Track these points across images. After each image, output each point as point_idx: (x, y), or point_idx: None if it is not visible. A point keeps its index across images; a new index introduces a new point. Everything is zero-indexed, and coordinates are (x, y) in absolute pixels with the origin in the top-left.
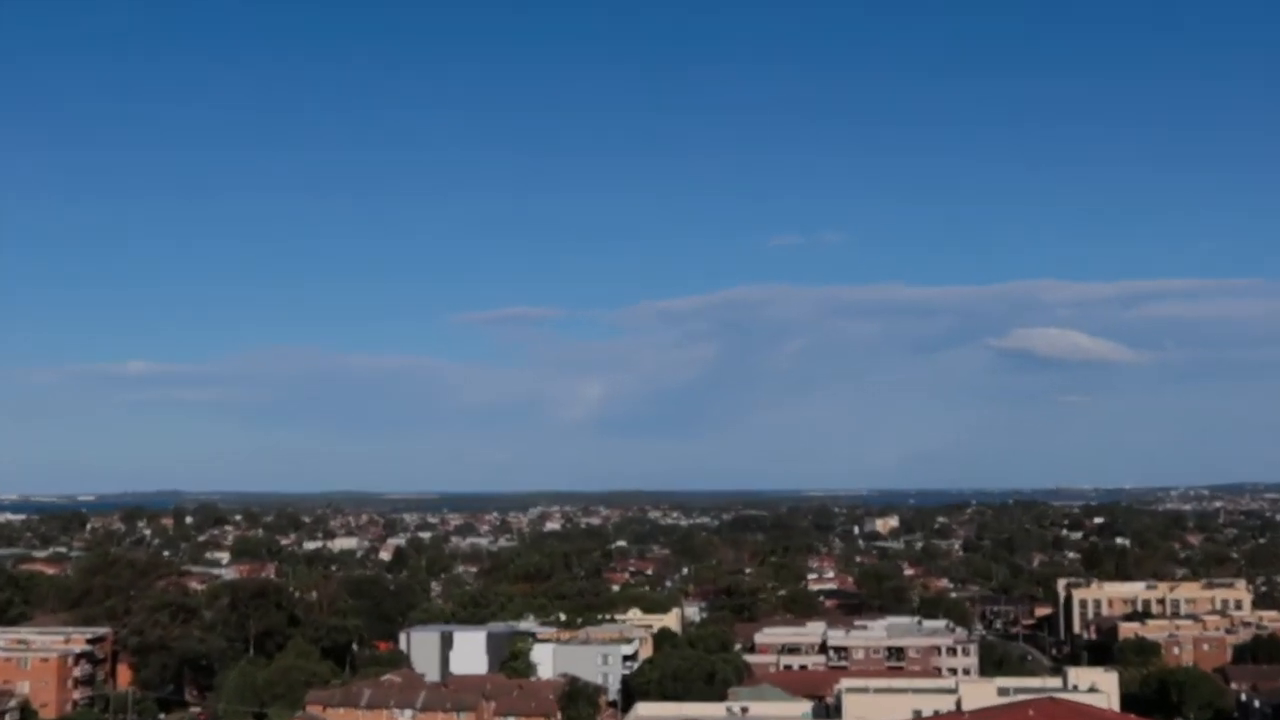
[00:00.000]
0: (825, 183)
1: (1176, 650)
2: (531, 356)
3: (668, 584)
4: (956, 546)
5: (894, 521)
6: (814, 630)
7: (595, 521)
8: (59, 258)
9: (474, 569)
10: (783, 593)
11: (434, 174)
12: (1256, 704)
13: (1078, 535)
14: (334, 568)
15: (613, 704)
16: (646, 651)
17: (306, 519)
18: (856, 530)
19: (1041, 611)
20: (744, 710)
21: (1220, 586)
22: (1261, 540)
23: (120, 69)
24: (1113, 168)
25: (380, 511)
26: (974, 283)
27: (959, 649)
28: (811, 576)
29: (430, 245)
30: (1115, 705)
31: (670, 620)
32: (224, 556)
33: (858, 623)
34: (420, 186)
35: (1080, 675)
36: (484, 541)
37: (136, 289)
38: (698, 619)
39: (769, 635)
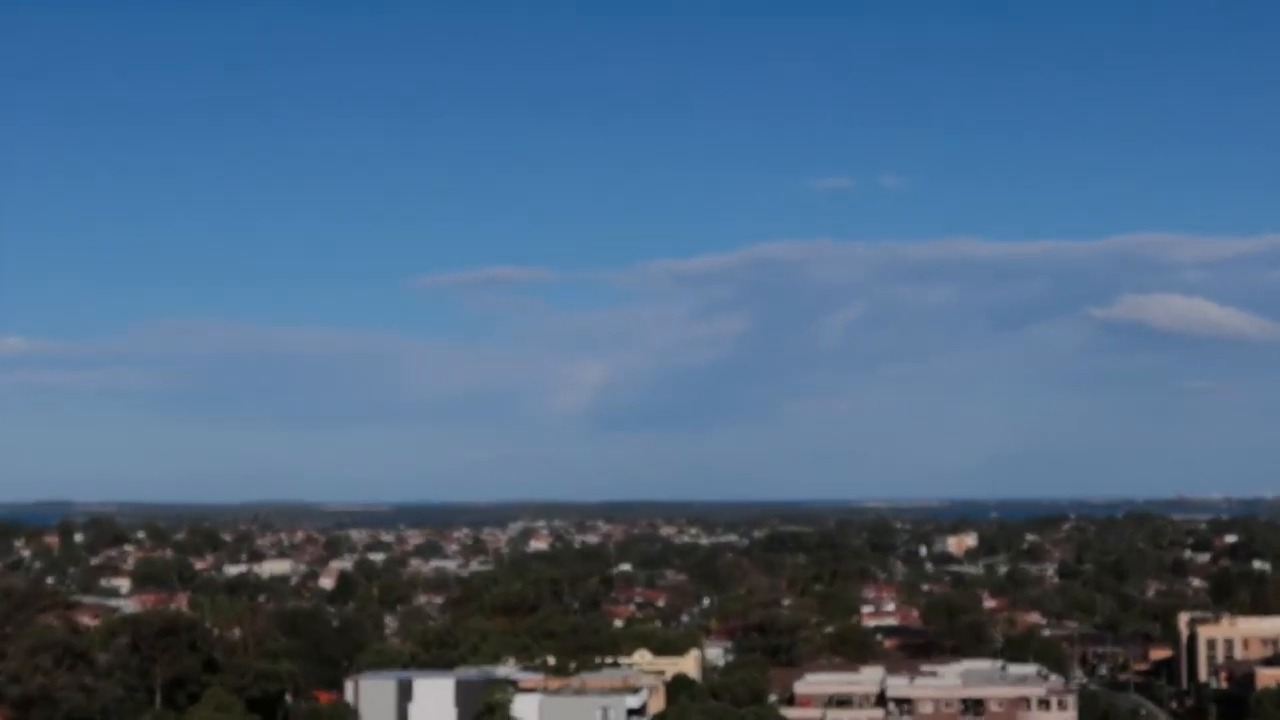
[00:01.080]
0: (881, 111)
1: None
2: (512, 330)
3: (684, 619)
4: (1050, 572)
5: (971, 540)
6: (870, 678)
7: (593, 540)
8: None
9: (439, 599)
10: (830, 630)
11: (388, 96)
12: None
13: (1204, 558)
14: (262, 598)
15: None
16: (658, 704)
17: (227, 536)
18: (923, 551)
19: (1158, 654)
20: None
21: None
22: None
23: None
24: (1252, 91)
25: (321, 527)
26: (1072, 237)
27: (1054, 701)
28: (866, 610)
29: (383, 187)
30: None
31: (687, 665)
32: (123, 584)
33: (925, 668)
34: (370, 112)
35: None
36: (452, 565)
37: (4, 246)
38: (722, 663)
39: (813, 684)
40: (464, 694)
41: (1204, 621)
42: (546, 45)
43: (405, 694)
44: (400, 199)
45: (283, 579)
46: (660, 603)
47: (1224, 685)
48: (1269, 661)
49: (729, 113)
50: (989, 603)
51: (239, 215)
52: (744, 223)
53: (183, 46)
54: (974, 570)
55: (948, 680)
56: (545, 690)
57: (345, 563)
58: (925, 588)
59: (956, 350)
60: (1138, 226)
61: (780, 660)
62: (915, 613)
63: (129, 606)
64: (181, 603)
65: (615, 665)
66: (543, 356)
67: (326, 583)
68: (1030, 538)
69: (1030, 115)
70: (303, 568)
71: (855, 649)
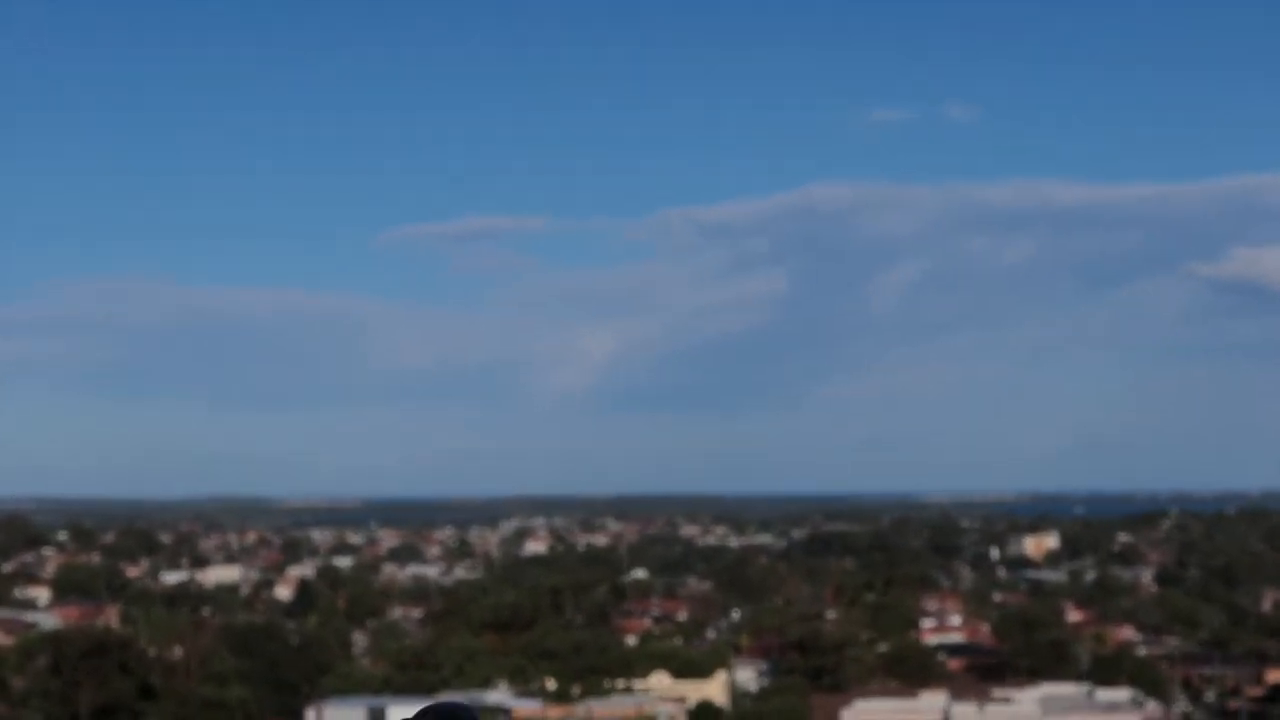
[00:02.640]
0: (946, 31)
1: None
2: (502, 293)
3: (710, 635)
4: (1147, 578)
5: (1052, 541)
6: (932, 704)
7: (600, 541)
8: None
9: (418, 612)
10: (884, 648)
11: (350, 11)
12: None
13: None
14: (207, 611)
15: None
16: None
17: (165, 538)
18: (995, 554)
19: (1277, 676)
20: None
21: None
22: None
23: None
24: None
25: (277, 526)
26: (1173, 179)
27: None
28: (927, 624)
29: (346, 121)
30: None
31: (714, 690)
32: (42, 595)
33: (997, 693)
34: (327, 33)
35: None
36: (432, 571)
37: None
38: (755, 687)
39: (864, 712)
40: None
41: None
42: None
43: None
44: (367, 136)
45: (231, 588)
46: (681, 616)
47: None
48: None
49: (763, 31)
50: (1073, 615)
51: (171, 152)
52: (781, 163)
53: None
54: (1056, 577)
55: (1024, 707)
56: None
57: (306, 569)
58: (997, 598)
59: (1035, 315)
60: (1251, 166)
61: (824, 684)
62: (985, 627)
63: (49, 621)
64: (111, 617)
65: (628, 690)
66: (539, 324)
67: (283, 593)
68: (1123, 538)
69: (1120, 34)
70: (255, 575)
71: (914, 671)
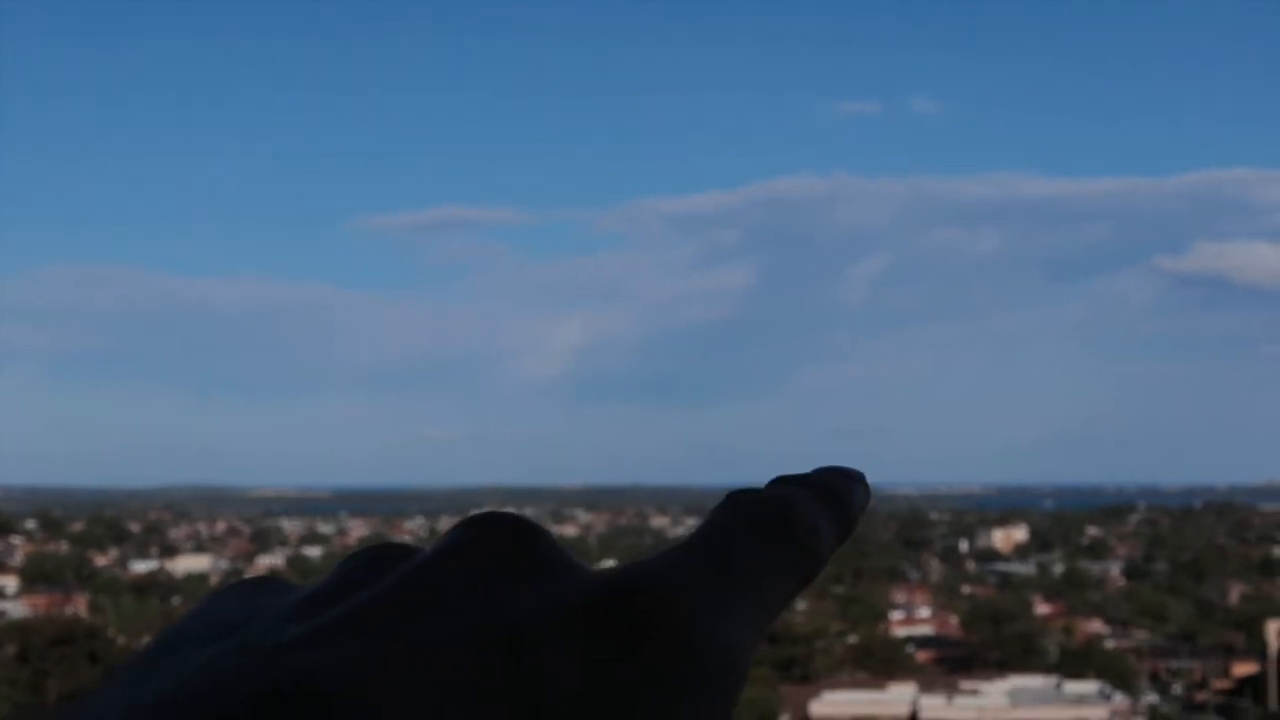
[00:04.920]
0: (912, 23)
1: None
2: (472, 283)
3: None
4: (1115, 571)
5: (1021, 533)
6: (900, 697)
7: (571, 532)
8: None
9: None
10: (853, 640)
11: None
12: None
13: None
14: (176, 600)
15: None
16: None
17: (134, 526)
18: (964, 546)
19: (1243, 669)
20: None
21: None
22: None
23: None
24: None
25: (246, 515)
26: (1139, 172)
27: None
28: (896, 616)
29: (317, 111)
30: None
31: None
32: (9, 583)
33: (965, 685)
34: (299, 22)
35: None
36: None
37: None
38: None
39: (832, 704)
40: None
41: None
42: None
43: None
44: (337, 125)
45: (200, 578)
46: None
47: None
48: None
49: (731, 23)
50: (1042, 608)
51: (143, 139)
52: (750, 155)
53: None
54: (1024, 570)
55: (992, 700)
56: None
57: (276, 558)
58: (966, 590)
59: (1002, 307)
60: (1217, 160)
61: (793, 676)
62: (954, 620)
63: (16, 610)
64: (80, 607)
65: None
66: (509, 314)
67: None
68: (1091, 531)
69: (1086, 28)
70: (224, 564)
71: (882, 663)
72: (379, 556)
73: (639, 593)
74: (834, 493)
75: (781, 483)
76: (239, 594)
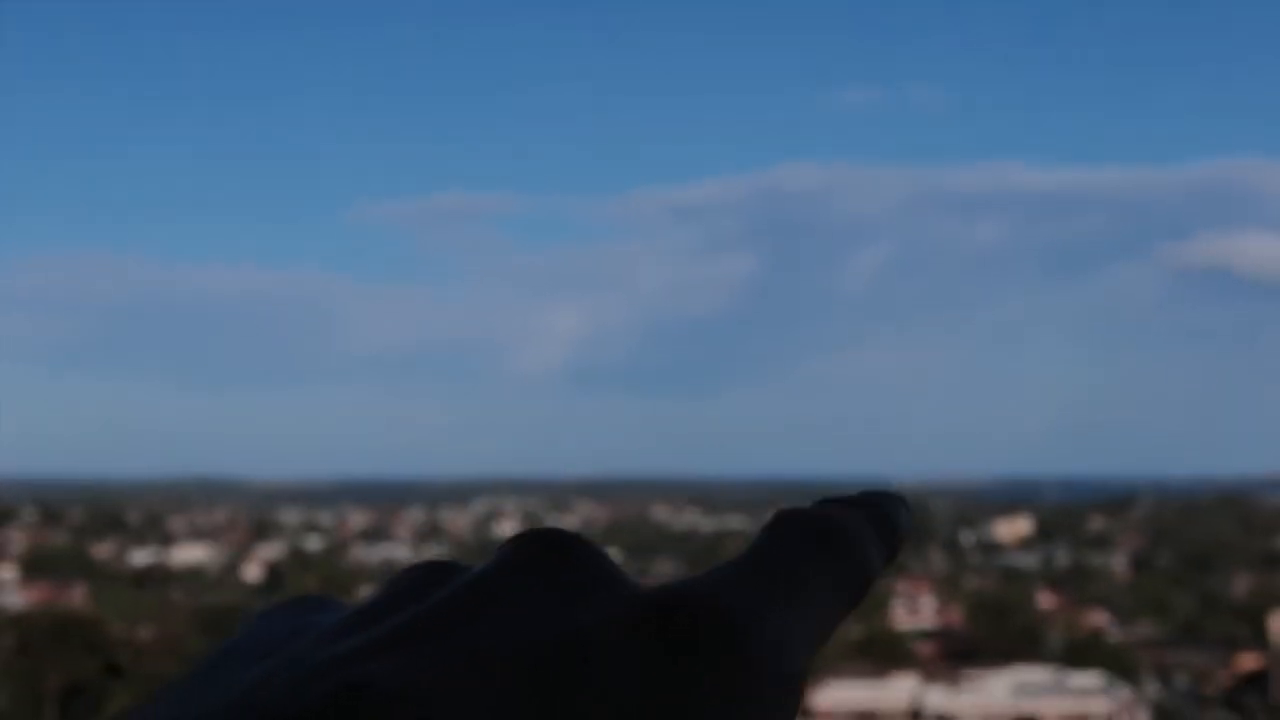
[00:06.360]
0: (913, 10)
1: None
2: (471, 271)
3: None
4: (1120, 563)
5: (1025, 525)
6: (902, 688)
7: (571, 523)
8: None
9: None
10: (855, 632)
11: None
12: None
13: None
14: (175, 591)
15: None
16: None
17: (133, 517)
18: (967, 538)
19: (1247, 663)
20: None
21: None
22: None
23: None
24: None
25: (245, 505)
26: (1141, 161)
27: (1123, 717)
28: (898, 608)
29: (313, 98)
30: None
31: None
32: (9, 573)
33: (968, 677)
34: (294, 11)
35: None
36: (403, 551)
37: None
38: None
39: (834, 695)
40: None
41: None
42: None
43: None
44: (334, 111)
45: (199, 569)
46: None
47: None
48: None
49: (732, 12)
50: (1046, 600)
51: (136, 128)
52: (751, 144)
53: None
54: (1028, 561)
55: (995, 693)
56: None
57: (275, 549)
58: (969, 582)
59: (1005, 297)
60: (1220, 150)
61: None
62: (957, 612)
63: (16, 601)
64: (78, 597)
65: None
66: (508, 302)
67: (252, 573)
68: (1096, 523)
69: (1088, 17)
70: (224, 555)
71: (884, 655)
72: (428, 573)
73: (696, 606)
74: (880, 514)
75: (828, 503)
76: (287, 612)
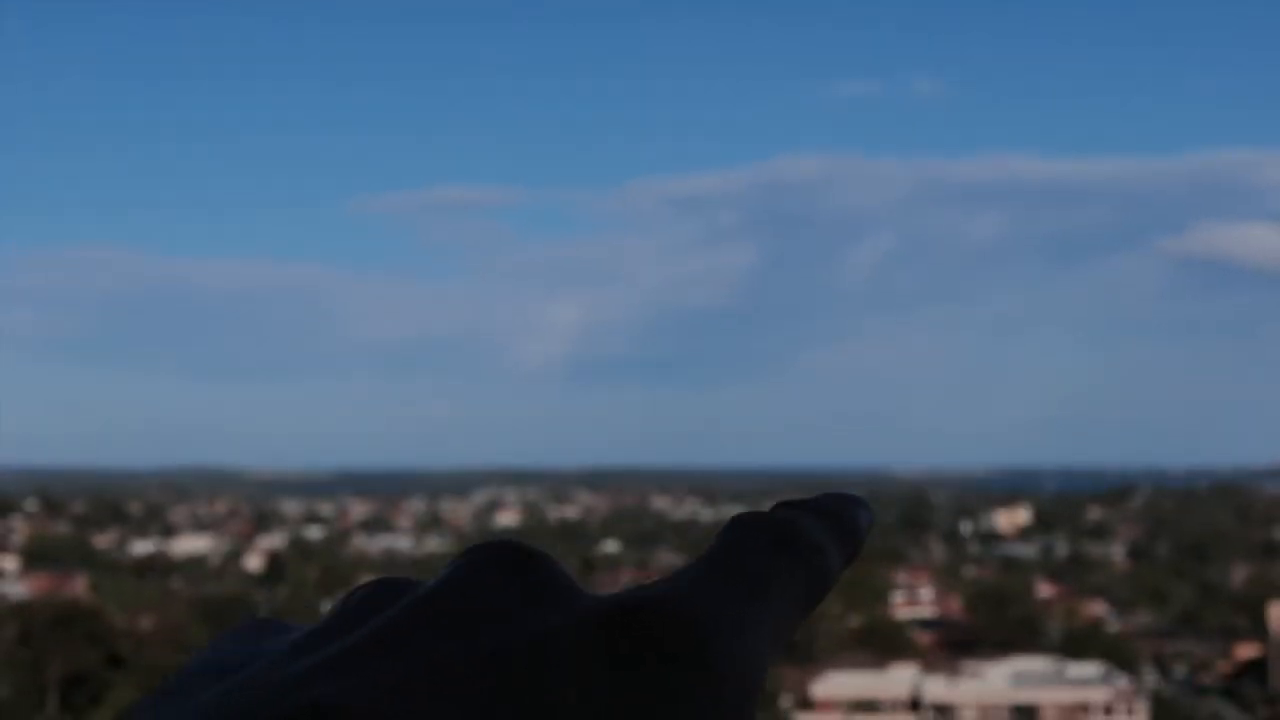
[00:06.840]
0: (915, 4)
1: None
2: (472, 263)
3: None
4: (1118, 553)
5: (1023, 515)
6: (901, 678)
7: (572, 513)
8: None
9: None
10: (855, 622)
11: None
12: None
13: None
14: (177, 581)
15: None
16: None
17: (134, 507)
18: (967, 528)
19: (1246, 652)
20: None
21: None
22: None
23: None
24: None
25: (247, 496)
26: (1140, 152)
27: (1121, 706)
28: (898, 598)
29: (315, 91)
30: None
31: None
32: (11, 563)
33: (967, 667)
34: (297, 3)
35: None
36: (404, 542)
37: None
38: None
39: (834, 685)
40: None
41: None
42: None
43: None
44: (335, 105)
45: (200, 559)
46: None
47: None
48: None
49: (732, 3)
50: (1044, 590)
51: (142, 122)
52: (751, 135)
53: None
54: (1027, 552)
55: (994, 682)
56: None
57: (276, 539)
58: (968, 572)
59: (1004, 288)
60: (1218, 140)
61: (796, 657)
62: (956, 602)
63: (17, 591)
64: (80, 587)
65: None
66: (509, 294)
67: (253, 563)
68: (1094, 513)
69: (1087, 8)
70: (225, 545)
71: (884, 644)
72: (381, 590)
73: (652, 610)
74: (837, 515)
75: (785, 506)
76: (241, 636)
